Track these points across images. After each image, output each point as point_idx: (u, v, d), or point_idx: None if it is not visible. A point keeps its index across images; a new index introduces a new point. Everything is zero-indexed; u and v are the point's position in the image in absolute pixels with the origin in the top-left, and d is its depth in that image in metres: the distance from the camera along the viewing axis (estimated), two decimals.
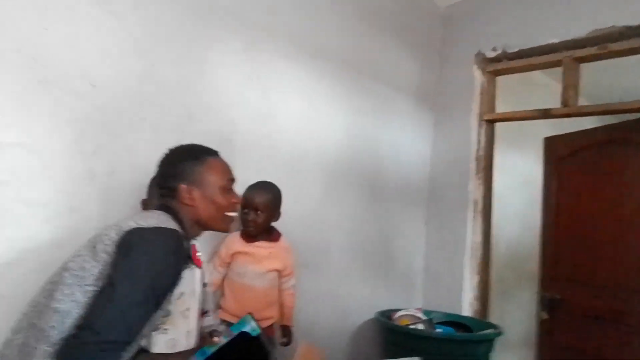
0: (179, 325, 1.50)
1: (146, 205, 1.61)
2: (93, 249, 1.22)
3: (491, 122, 3.10)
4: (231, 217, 1.46)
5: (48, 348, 1.11)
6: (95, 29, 1.71)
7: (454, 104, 3.12)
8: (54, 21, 1.61)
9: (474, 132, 3.03)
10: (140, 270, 1.16)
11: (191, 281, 1.81)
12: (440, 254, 3.06)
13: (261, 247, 2.01)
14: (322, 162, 2.51)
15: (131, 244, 1.19)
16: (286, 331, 2.06)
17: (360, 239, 2.72)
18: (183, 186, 1.37)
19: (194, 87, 2.00)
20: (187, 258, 1.32)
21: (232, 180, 1.47)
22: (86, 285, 1.17)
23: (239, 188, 2.07)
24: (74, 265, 1.21)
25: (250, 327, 1.43)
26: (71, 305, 1.15)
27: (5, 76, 1.52)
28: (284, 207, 2.17)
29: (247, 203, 1.98)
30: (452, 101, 3.14)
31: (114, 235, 1.22)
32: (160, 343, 1.46)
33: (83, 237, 1.63)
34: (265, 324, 2.00)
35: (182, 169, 1.39)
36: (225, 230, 1.47)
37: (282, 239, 2.08)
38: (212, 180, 1.41)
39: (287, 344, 2.04)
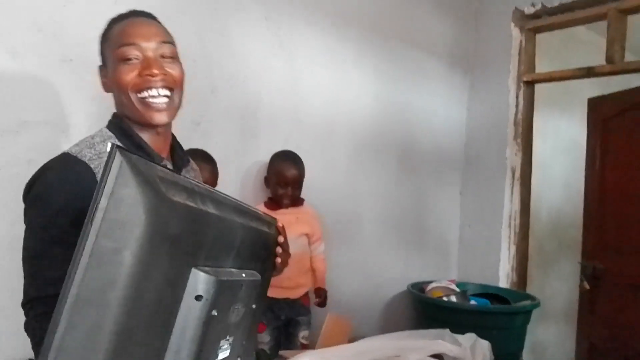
0: None
1: None
2: None
3: (531, 84, 2.95)
4: (145, 101, 1.01)
5: None
6: (114, 2, 1.68)
7: (491, 66, 2.98)
8: None
9: (512, 95, 2.90)
10: (31, 216, 0.97)
11: None
12: (476, 224, 2.97)
13: (287, 214, 2.01)
14: (351, 132, 2.45)
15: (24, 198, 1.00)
16: (320, 293, 2.09)
17: (392, 209, 2.66)
18: (98, 71, 1.07)
19: (217, 60, 1.96)
20: (89, 172, 0.96)
21: (129, 44, 0.99)
22: None
23: (261, 158, 2.12)
24: None
25: None
26: None
27: (28, 56, 1.53)
28: (314, 180, 2.14)
29: (279, 178, 2.02)
30: (489, 62, 2.99)
31: None
32: None
33: None
34: (300, 292, 2.06)
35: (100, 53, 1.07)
36: (147, 122, 1.02)
37: (306, 203, 2.12)
38: (109, 52, 1.03)
39: (322, 305, 2.08)
